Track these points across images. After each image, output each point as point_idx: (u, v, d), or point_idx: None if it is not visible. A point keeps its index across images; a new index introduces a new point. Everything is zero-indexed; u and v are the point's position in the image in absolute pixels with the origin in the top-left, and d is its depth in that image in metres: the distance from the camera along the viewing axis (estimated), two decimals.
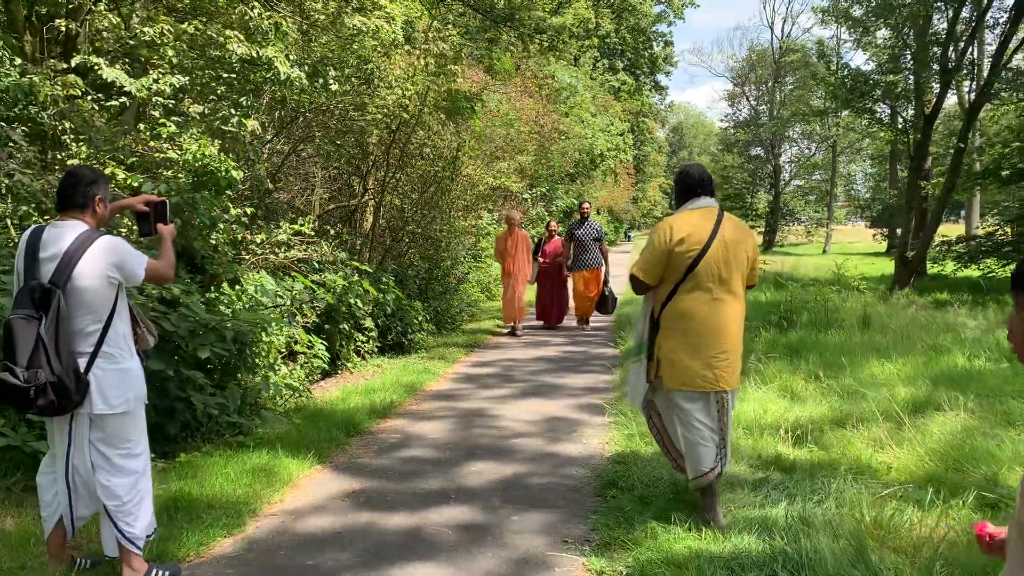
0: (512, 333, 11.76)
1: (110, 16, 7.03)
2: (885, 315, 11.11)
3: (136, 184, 6.23)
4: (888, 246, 43.07)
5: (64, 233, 3.31)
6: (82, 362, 3.28)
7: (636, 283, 4.22)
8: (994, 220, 20.15)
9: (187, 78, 7.07)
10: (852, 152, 53.16)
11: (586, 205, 12.61)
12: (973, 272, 19.59)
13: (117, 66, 6.91)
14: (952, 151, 18.85)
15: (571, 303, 12.61)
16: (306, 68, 7.94)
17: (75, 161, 6.31)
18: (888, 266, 24.24)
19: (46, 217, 5.76)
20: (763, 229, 53.98)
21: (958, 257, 19.41)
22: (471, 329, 12.43)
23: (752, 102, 56.94)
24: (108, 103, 6.95)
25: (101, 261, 3.29)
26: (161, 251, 3.66)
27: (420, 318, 10.85)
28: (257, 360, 6.72)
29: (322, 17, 8.09)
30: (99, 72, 6.67)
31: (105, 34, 7.74)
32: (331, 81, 7.84)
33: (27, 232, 3.42)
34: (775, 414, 6.13)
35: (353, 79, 8.83)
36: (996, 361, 7.83)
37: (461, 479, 5.07)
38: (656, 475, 4.87)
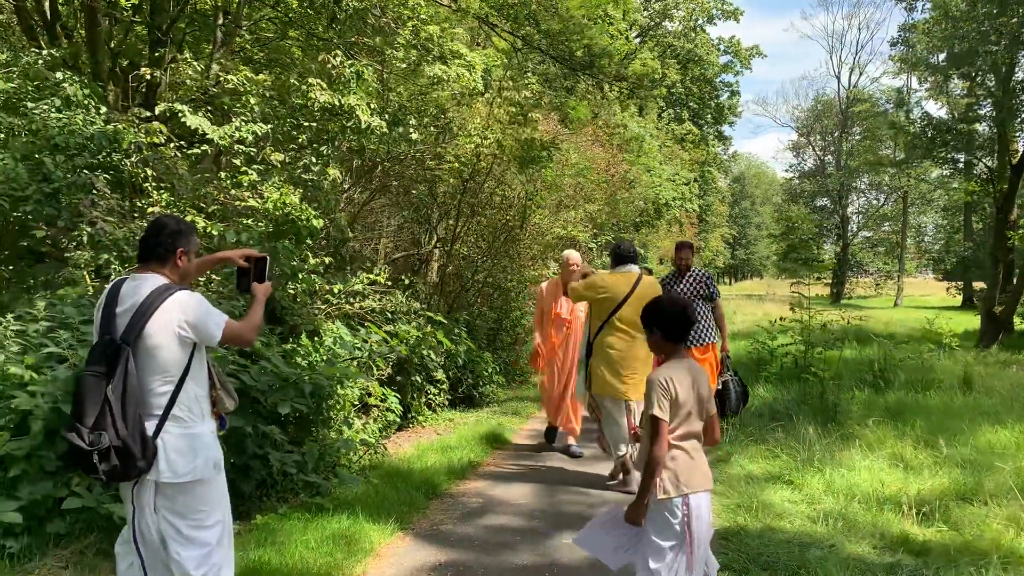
0: (549, 441, 7.58)
1: (194, 64, 7.01)
2: (986, 375, 10.40)
3: (216, 232, 6.11)
4: (963, 300, 41.42)
5: (141, 286, 3.10)
6: (150, 425, 3.03)
7: (569, 290, 6.29)
8: None
9: (269, 126, 6.99)
10: (923, 203, 51.75)
11: (685, 252, 7.71)
12: None
13: (200, 114, 6.86)
14: None
15: None
16: (386, 117, 7.83)
17: (156, 209, 6.23)
18: (967, 321, 23.21)
19: (126, 266, 5.65)
20: (830, 281, 52.67)
21: None
22: (539, 382, 12.04)
23: (818, 152, 56.06)
24: (190, 151, 6.89)
25: (174, 318, 3.06)
26: (249, 312, 3.40)
27: (490, 370, 10.54)
28: (332, 414, 6.48)
29: (403, 66, 7.99)
30: (182, 119, 6.62)
31: (188, 82, 7.76)
32: (412, 130, 7.70)
33: (110, 284, 3.23)
34: (892, 486, 5.61)
35: (432, 127, 8.70)
36: None
37: (554, 553, 4.68)
38: (771, 556, 4.41)
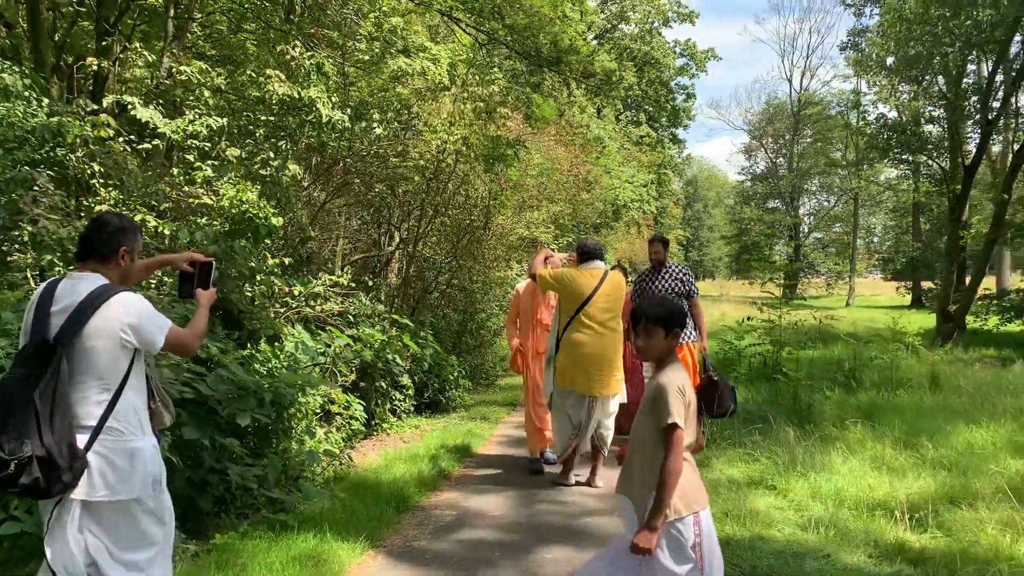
0: (537, 469, 6.60)
1: (146, 54, 6.60)
2: (950, 374, 10.41)
3: (168, 231, 5.73)
4: (913, 299, 42.22)
5: (79, 286, 2.84)
6: (82, 437, 2.75)
7: (533, 277, 6.11)
8: None
9: (224, 120, 6.62)
10: (872, 205, 52.68)
11: (657, 246, 7.27)
12: (1015, 327, 18.85)
13: (151, 107, 6.46)
14: (992, 202, 18.29)
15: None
16: (348, 111, 7.50)
17: (104, 207, 5.82)
18: (919, 320, 23.53)
19: (71, 268, 5.25)
20: (781, 281, 53.30)
21: (1003, 311, 18.66)
22: (507, 385, 11.80)
23: (770, 155, 56.76)
24: (141, 146, 6.48)
25: (116, 320, 2.80)
26: (194, 319, 3.14)
27: (456, 374, 10.24)
28: (293, 424, 6.14)
29: (366, 58, 7.66)
30: (132, 113, 6.22)
31: (138, 72, 7.34)
32: (375, 124, 7.37)
33: (45, 283, 2.95)
34: (880, 491, 5.45)
35: (396, 122, 8.38)
36: None
37: (537, 570, 4.41)
38: (764, 568, 4.21)
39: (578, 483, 6.19)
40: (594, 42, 30.96)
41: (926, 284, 43.18)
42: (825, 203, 55.72)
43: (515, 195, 12.93)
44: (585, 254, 6.13)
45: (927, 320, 21.76)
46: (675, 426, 2.81)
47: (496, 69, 9.94)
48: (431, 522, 5.24)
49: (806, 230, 54.46)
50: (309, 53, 7.28)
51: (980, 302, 19.77)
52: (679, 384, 2.87)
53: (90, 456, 2.75)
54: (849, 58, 35.94)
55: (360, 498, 5.45)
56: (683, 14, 33.81)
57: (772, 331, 10.34)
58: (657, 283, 7.23)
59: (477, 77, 8.81)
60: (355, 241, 12.00)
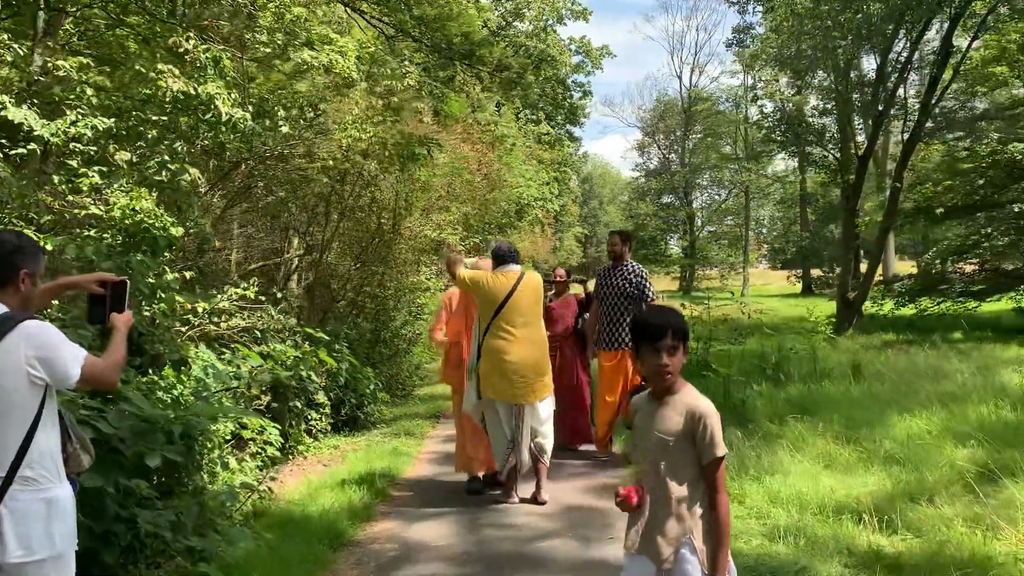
0: (475, 489, 6.10)
1: (15, 46, 5.82)
2: (868, 361, 10.54)
3: (52, 247, 5.02)
4: (803, 287, 43.85)
5: None
6: None
7: (458, 279, 5.82)
8: (930, 257, 20.23)
9: (112, 121, 5.91)
10: (761, 197, 54.49)
11: (615, 239, 7.14)
12: (908, 311, 19.59)
13: (25, 107, 5.68)
14: (887, 191, 18.95)
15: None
16: (250, 109, 6.87)
17: None
18: (814, 307, 24.29)
19: None
20: (678, 275, 54.55)
21: (899, 296, 19.35)
22: (426, 395, 11.31)
23: (663, 151, 57.93)
24: (14, 151, 5.70)
25: (21, 353, 2.43)
26: (110, 346, 2.74)
27: (373, 387, 9.66)
28: (206, 456, 5.52)
29: (267, 50, 7.04)
30: (3, 114, 5.45)
31: (5, 72, 6.51)
32: (281, 122, 6.78)
33: None
34: (840, 492, 5.27)
35: (302, 120, 7.77)
36: (1018, 410, 7.23)
37: None
38: None
39: (523, 500, 5.80)
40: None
41: (815, 272, 45.09)
42: (717, 196, 57.29)
43: (424, 196, 12.44)
44: (500, 258, 5.90)
45: (826, 307, 22.44)
46: (723, 459, 2.44)
47: (407, 63, 9.43)
48: (371, 559, 4.74)
49: (700, 223, 55.82)
50: (205, 46, 6.62)
51: (876, 288, 20.46)
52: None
53: (2, 511, 2.38)
54: (739, 54, 37.08)
55: (288, 537, 4.91)
56: (577, 11, 33.89)
57: (693, 326, 10.24)
58: (615, 279, 6.97)
59: (389, 71, 8.30)
60: (248, 249, 11.24)
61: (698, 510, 2.45)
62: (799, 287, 44.93)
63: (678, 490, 2.46)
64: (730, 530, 2.42)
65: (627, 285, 6.89)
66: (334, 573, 4.52)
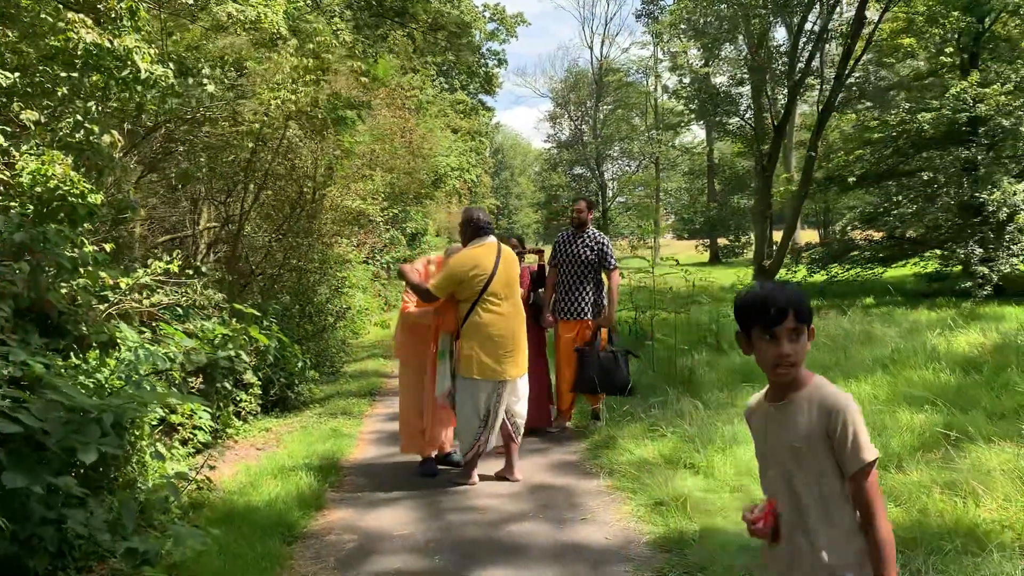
0: (429, 472, 5.80)
1: None
2: None
3: None
4: (711, 256, 44.94)
5: None
6: None
7: (429, 297, 5.39)
8: (843, 225, 20.78)
9: (16, 75, 5.26)
10: (669, 168, 55.30)
11: (581, 204, 7.01)
12: (819, 277, 20.14)
13: None
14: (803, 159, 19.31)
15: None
16: (170, 66, 6.27)
17: None
18: (723, 275, 24.79)
19: None
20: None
21: (812, 263, 19.84)
22: (356, 372, 10.87)
23: (575, 122, 58.01)
24: None
25: None
26: None
27: (302, 365, 9.18)
28: (139, 446, 5.04)
29: (190, 2, 6.44)
30: None
31: None
32: (206, 81, 6.21)
33: None
34: None
35: (224, 79, 7.18)
36: (956, 372, 7.35)
37: None
38: (740, 571, 3.76)
39: (490, 478, 5.58)
40: None
41: (722, 241, 46.27)
42: (627, 168, 57.84)
43: (349, 164, 11.87)
44: (479, 229, 5.52)
45: (740, 275, 22.90)
46: (875, 464, 1.99)
47: (337, 19, 8.86)
48: (330, 552, 4.38)
49: (611, 194, 56.32)
50: None
51: (790, 256, 20.93)
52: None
53: None
54: (649, 26, 37.24)
55: (237, 531, 4.50)
56: None
57: (632, 295, 10.15)
58: (577, 247, 6.78)
59: (321, 27, 7.75)
60: (150, 222, 10.47)
61: (852, 533, 2.02)
62: (707, 256, 45.98)
63: (821, 509, 2.03)
64: (894, 550, 1.97)
65: (588, 252, 6.76)
66: (291, 570, 4.15)
